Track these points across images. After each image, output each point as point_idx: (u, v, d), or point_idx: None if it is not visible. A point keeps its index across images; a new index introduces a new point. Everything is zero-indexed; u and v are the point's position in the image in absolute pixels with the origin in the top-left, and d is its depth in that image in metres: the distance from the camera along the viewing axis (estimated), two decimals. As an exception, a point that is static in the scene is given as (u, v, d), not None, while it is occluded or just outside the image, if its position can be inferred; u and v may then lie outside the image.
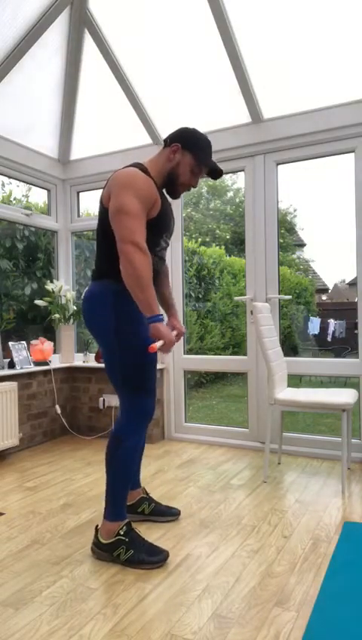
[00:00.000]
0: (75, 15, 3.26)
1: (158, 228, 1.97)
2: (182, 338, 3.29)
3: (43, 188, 4.23)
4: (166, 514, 2.30)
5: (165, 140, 2.03)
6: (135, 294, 1.82)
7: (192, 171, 2.01)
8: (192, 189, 2.08)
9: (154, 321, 1.85)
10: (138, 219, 1.83)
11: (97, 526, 2.03)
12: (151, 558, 1.90)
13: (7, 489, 2.80)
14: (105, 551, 1.95)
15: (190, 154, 1.98)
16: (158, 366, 3.72)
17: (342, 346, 8.25)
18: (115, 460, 1.96)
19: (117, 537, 1.93)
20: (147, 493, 2.35)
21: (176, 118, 3.65)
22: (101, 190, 1.99)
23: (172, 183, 2.01)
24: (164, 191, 2.05)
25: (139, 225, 1.83)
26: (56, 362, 4.04)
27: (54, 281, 4.12)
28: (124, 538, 1.93)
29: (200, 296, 7.47)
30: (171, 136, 2.02)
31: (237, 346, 7.86)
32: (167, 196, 2.08)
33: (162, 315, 1.89)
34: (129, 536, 1.94)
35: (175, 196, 2.06)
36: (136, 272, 1.78)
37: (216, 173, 2.07)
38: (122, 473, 1.97)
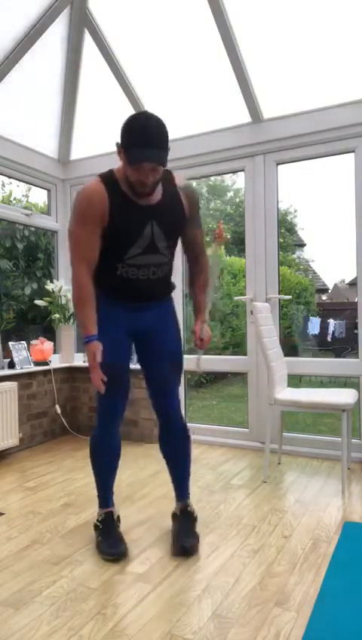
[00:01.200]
0: (75, 15, 3.27)
1: (114, 237, 1.86)
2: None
3: (43, 188, 4.23)
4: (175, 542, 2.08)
5: None
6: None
7: (133, 167, 1.78)
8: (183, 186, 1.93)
9: (84, 343, 1.88)
10: (75, 242, 1.88)
11: None
12: (106, 549, 1.98)
13: (7, 489, 2.80)
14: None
15: (123, 151, 1.79)
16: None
17: (342, 346, 8.25)
18: (91, 454, 2.13)
19: (95, 522, 2.13)
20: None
21: (176, 118, 3.66)
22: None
23: (131, 185, 1.83)
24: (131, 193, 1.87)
25: (77, 249, 1.88)
26: (56, 362, 4.04)
27: (54, 281, 4.12)
28: (98, 525, 2.10)
29: (200, 296, 7.45)
30: None
31: (237, 346, 7.86)
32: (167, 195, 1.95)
33: (93, 336, 1.85)
34: (103, 524, 2.08)
35: (138, 197, 1.85)
36: (72, 298, 1.93)
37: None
38: (96, 465, 2.12)
